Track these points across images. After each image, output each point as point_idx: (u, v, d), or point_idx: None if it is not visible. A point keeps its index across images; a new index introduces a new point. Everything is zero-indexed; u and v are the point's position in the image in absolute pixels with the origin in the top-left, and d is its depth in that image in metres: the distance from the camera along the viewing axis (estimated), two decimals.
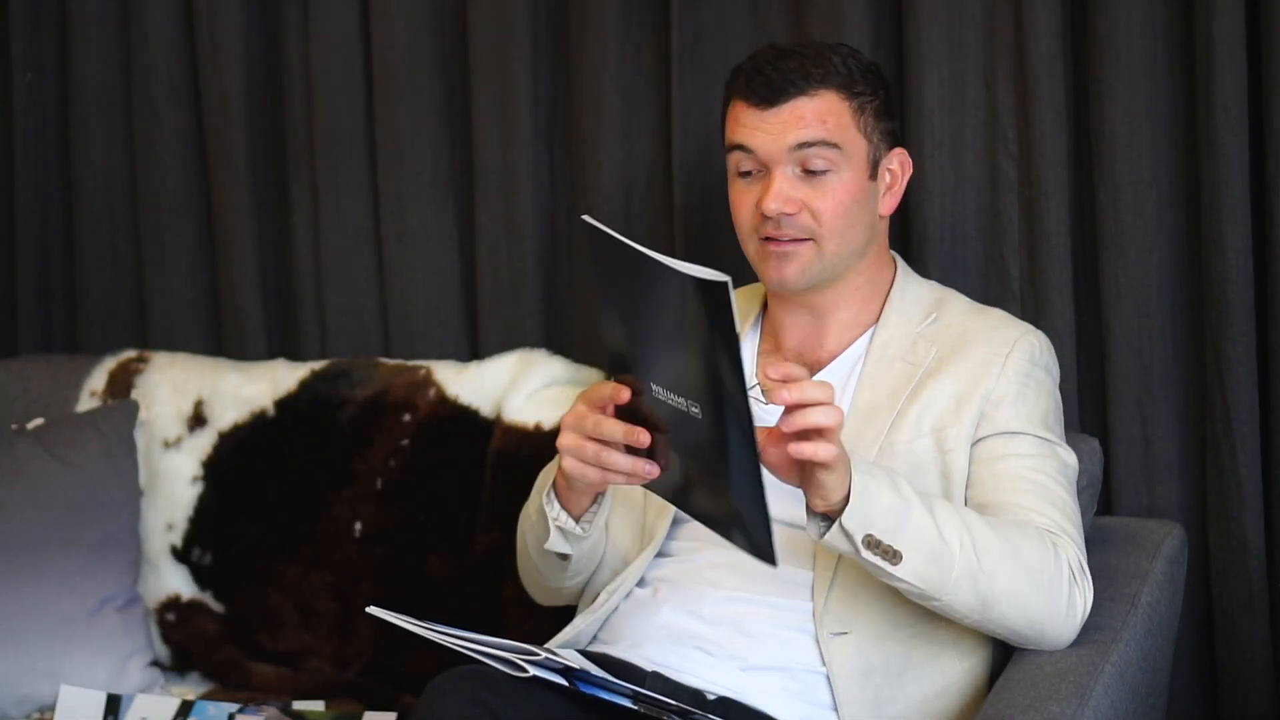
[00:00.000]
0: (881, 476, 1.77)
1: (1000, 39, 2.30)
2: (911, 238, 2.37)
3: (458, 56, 2.66)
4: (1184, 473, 2.29)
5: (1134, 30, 2.21)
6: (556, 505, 1.96)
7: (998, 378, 1.95)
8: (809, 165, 1.94)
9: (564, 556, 2.01)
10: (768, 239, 1.97)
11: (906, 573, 1.77)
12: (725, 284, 1.53)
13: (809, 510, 1.77)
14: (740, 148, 1.97)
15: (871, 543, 1.75)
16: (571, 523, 1.96)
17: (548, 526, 1.96)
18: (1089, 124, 2.28)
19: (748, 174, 1.98)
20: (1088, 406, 2.33)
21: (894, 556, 1.76)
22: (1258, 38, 2.17)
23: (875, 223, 2.02)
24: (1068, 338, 2.29)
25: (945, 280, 2.21)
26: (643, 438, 1.73)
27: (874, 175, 2.00)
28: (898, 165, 2.03)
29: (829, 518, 1.76)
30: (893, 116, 2.04)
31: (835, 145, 1.95)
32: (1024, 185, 2.31)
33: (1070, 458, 1.98)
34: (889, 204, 2.03)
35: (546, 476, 2.02)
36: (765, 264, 1.98)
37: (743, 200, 1.99)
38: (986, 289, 2.33)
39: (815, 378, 1.99)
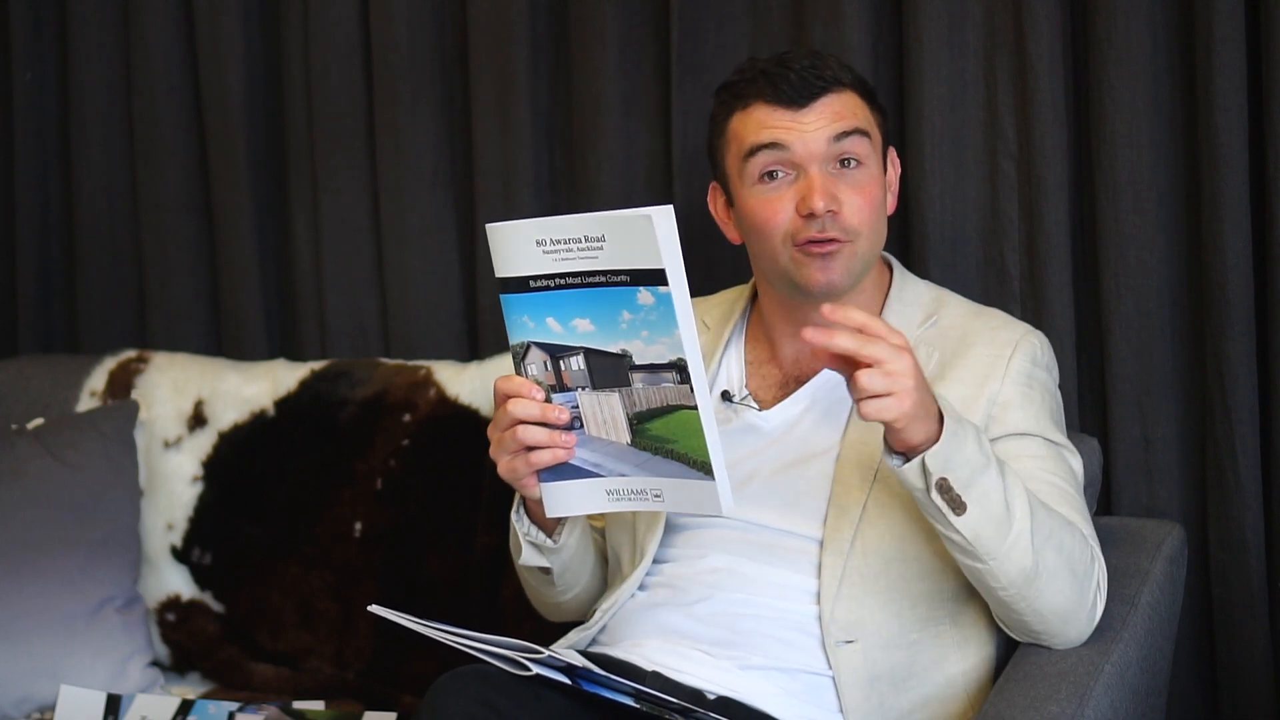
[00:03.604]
0: (969, 428, 1.77)
1: (1000, 39, 2.30)
2: (911, 238, 2.36)
3: (458, 56, 2.66)
4: (1184, 473, 2.29)
5: (1134, 30, 2.21)
6: (526, 520, 1.97)
7: (1002, 380, 1.95)
8: (846, 156, 1.94)
9: (545, 570, 2.02)
10: (808, 242, 1.93)
11: (965, 526, 1.77)
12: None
13: (887, 446, 1.77)
14: (771, 147, 1.94)
15: (944, 487, 1.75)
16: (543, 536, 1.97)
17: (520, 543, 1.97)
18: (1089, 124, 2.28)
19: (772, 177, 1.95)
20: (1088, 406, 2.33)
21: (960, 507, 1.76)
22: (1258, 38, 2.17)
23: (885, 222, 2.02)
24: (1068, 338, 2.29)
25: (945, 280, 2.21)
26: (561, 415, 1.78)
27: (883, 172, 2.01)
28: (894, 164, 2.05)
29: (905, 454, 1.76)
30: (887, 117, 2.05)
31: (867, 134, 1.96)
32: (1024, 185, 2.31)
33: (1076, 462, 1.98)
34: (891, 203, 2.04)
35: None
36: (806, 269, 1.94)
37: (773, 206, 1.94)
38: (986, 289, 2.33)
39: (806, 387, 2.01)
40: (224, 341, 2.87)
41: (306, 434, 2.55)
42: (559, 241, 1.71)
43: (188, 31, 2.82)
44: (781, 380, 2.03)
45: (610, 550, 2.08)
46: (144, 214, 2.89)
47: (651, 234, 1.65)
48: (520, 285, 1.75)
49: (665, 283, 1.67)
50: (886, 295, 2.04)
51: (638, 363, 1.72)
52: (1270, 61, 2.15)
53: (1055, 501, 1.88)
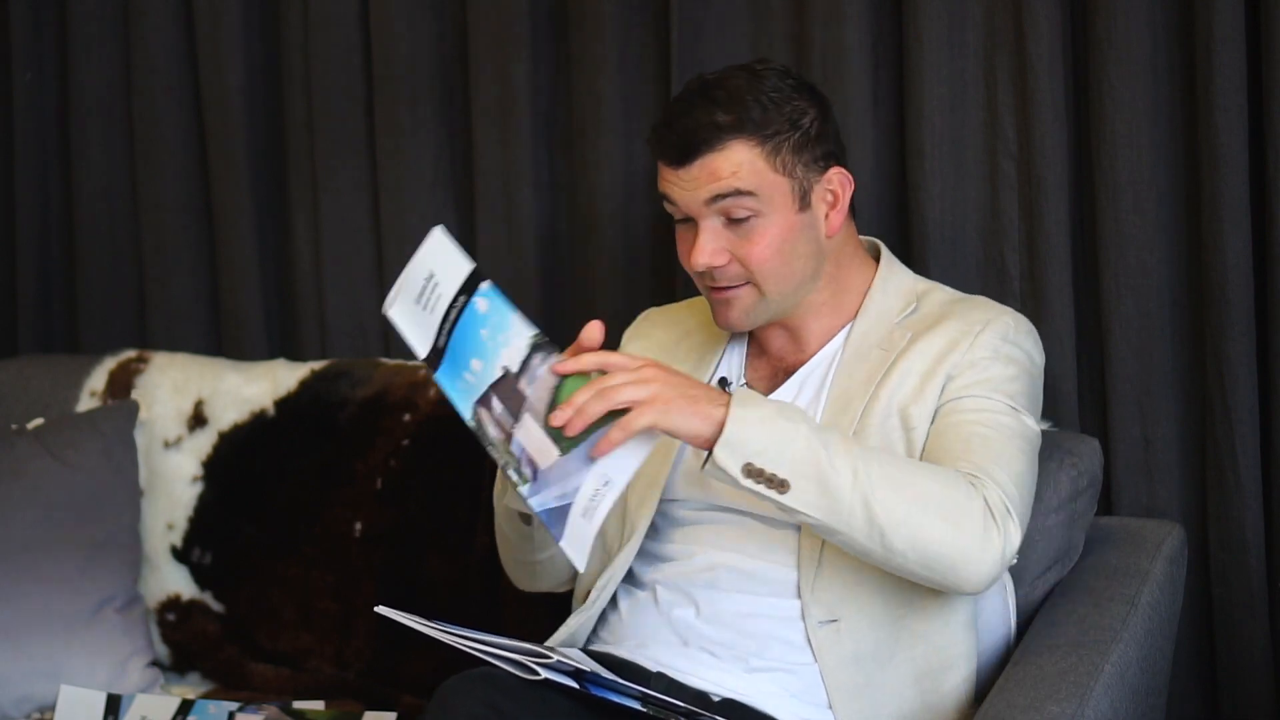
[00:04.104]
0: (767, 406, 1.75)
1: (1000, 39, 2.30)
2: (911, 238, 2.37)
3: (458, 56, 2.66)
4: (1184, 473, 2.29)
5: (1134, 30, 2.21)
6: None
7: (965, 352, 1.94)
8: (730, 214, 1.93)
9: (526, 520, 2.00)
10: (709, 286, 1.97)
11: (797, 502, 1.74)
12: None
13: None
14: (666, 199, 1.97)
15: (752, 470, 1.73)
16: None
17: (507, 486, 1.94)
18: (1089, 124, 2.28)
19: (683, 221, 1.98)
20: (1088, 406, 2.33)
21: (781, 485, 1.73)
22: (1258, 38, 2.17)
23: (820, 248, 1.99)
24: (1068, 338, 2.29)
25: (945, 280, 2.20)
26: None
27: (806, 206, 1.96)
28: (838, 185, 1.98)
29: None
30: (824, 140, 1.97)
31: (750, 193, 1.92)
32: (1024, 185, 2.31)
33: (1025, 421, 1.92)
34: (835, 223, 1.99)
35: None
36: (713, 308, 1.99)
37: (682, 247, 1.98)
38: (986, 289, 2.32)
39: (794, 377, 2.02)
40: (224, 341, 2.87)
41: (306, 434, 2.55)
42: (420, 292, 1.73)
43: (188, 31, 2.82)
44: (771, 372, 2.05)
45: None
46: (144, 214, 2.89)
47: (447, 243, 1.69)
48: (439, 353, 1.73)
49: (485, 277, 1.69)
50: (869, 289, 2.04)
51: (515, 371, 1.69)
52: (1270, 61, 2.15)
53: (962, 447, 1.85)
